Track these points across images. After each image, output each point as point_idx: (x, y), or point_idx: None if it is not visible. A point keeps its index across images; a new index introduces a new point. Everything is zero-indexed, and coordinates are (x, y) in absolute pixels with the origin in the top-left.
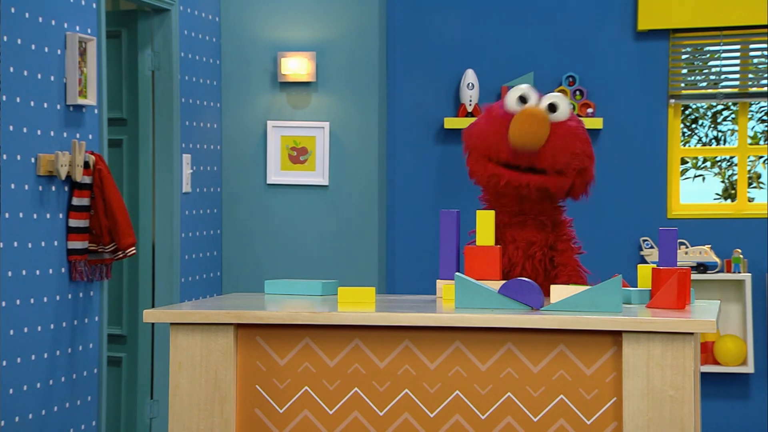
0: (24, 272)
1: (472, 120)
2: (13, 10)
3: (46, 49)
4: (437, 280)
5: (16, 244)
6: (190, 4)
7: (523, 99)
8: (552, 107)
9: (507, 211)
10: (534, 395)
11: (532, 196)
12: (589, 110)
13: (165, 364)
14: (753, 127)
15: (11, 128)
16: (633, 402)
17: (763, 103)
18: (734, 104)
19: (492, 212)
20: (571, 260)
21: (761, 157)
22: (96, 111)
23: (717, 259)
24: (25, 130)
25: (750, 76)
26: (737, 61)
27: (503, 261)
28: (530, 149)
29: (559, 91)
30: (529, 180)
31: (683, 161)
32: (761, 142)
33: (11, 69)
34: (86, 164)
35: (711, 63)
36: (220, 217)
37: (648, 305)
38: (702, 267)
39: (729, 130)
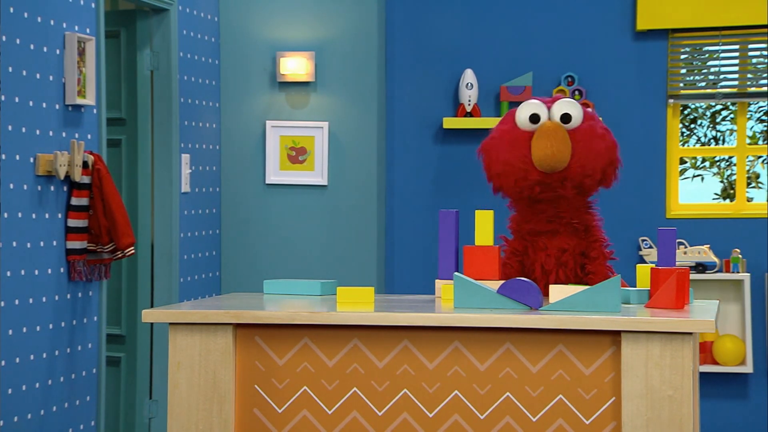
0: (23, 272)
1: (471, 120)
2: (12, 10)
3: (45, 49)
4: (436, 280)
5: (15, 244)
6: (189, 4)
7: (534, 117)
8: (565, 118)
9: (540, 219)
10: (533, 395)
11: (569, 192)
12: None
13: (164, 364)
14: (752, 126)
15: (10, 128)
16: (632, 402)
17: (762, 103)
18: (733, 104)
19: (491, 212)
20: (603, 267)
21: (760, 157)
22: (95, 111)
23: (716, 259)
24: (23, 129)
25: (749, 76)
26: (736, 61)
27: (536, 269)
28: (557, 169)
29: (558, 92)
30: (563, 177)
31: (682, 161)
32: (760, 142)
33: (10, 69)
34: (85, 164)
35: (710, 63)
36: (219, 217)
37: (647, 305)
38: (701, 267)
39: (728, 129)
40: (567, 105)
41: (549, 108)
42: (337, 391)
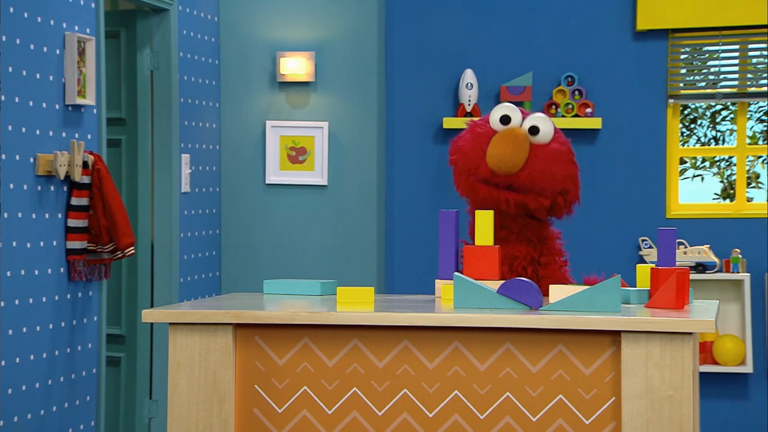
0: (23, 272)
1: (471, 120)
2: (12, 10)
3: (45, 49)
4: (436, 280)
5: (15, 244)
6: (189, 4)
7: (505, 119)
8: (533, 130)
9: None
10: (533, 395)
11: (512, 211)
12: (588, 110)
13: (164, 364)
14: (752, 126)
15: (10, 128)
16: (632, 402)
17: (761, 103)
18: (733, 104)
19: (491, 212)
20: (557, 273)
21: (760, 156)
22: (95, 111)
23: (716, 259)
24: (23, 129)
25: (749, 76)
26: (736, 61)
27: None
28: (506, 172)
29: (557, 92)
30: (507, 196)
31: (682, 161)
32: (760, 142)
33: (10, 69)
34: (85, 164)
35: (710, 63)
36: (219, 217)
37: (647, 305)
38: (701, 267)
39: (728, 129)
40: (539, 118)
41: (523, 117)
42: (337, 391)
